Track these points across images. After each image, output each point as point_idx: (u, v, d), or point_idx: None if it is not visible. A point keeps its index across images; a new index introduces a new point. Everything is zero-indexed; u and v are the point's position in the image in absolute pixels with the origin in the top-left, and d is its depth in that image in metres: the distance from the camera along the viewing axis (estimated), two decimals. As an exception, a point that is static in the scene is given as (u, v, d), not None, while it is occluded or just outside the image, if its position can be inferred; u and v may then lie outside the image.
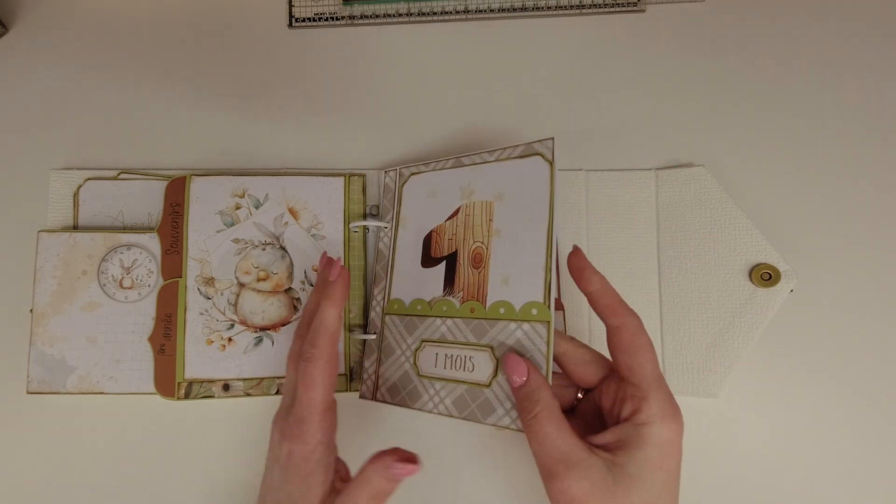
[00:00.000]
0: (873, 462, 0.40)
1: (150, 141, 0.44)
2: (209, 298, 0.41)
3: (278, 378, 0.40)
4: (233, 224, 0.41)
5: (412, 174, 0.41)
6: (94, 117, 0.44)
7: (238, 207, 0.42)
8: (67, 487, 0.40)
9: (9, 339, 0.41)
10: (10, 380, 0.41)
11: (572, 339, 0.34)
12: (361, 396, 0.39)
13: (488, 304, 0.35)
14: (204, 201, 0.41)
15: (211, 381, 0.40)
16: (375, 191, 0.43)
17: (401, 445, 0.31)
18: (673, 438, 0.29)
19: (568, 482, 0.27)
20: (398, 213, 0.41)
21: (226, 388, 0.40)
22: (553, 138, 0.35)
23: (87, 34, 0.46)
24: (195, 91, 0.45)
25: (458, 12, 0.45)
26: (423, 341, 0.37)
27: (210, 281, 0.41)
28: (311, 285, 0.41)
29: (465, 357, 0.35)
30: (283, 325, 0.41)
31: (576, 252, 0.33)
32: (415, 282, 0.39)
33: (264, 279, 0.41)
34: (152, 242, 0.41)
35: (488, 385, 0.34)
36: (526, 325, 0.33)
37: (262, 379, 0.40)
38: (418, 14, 0.45)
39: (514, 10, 0.45)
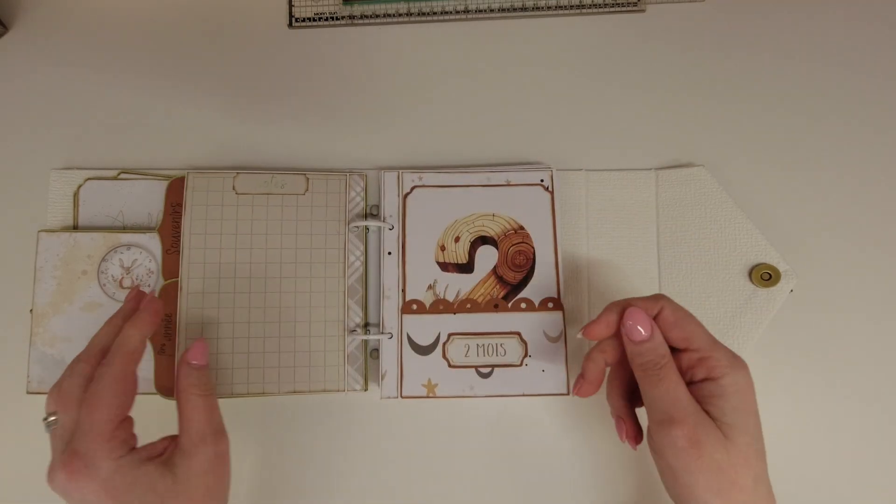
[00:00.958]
0: (874, 462, 0.40)
1: (150, 141, 0.44)
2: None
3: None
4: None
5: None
6: (94, 117, 0.44)
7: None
8: (67, 487, 0.40)
9: (9, 339, 0.41)
10: (10, 380, 0.41)
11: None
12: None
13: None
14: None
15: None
16: (375, 191, 0.43)
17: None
18: (748, 383, 0.31)
19: (691, 428, 0.30)
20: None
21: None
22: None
23: (87, 34, 0.46)
24: (195, 91, 0.45)
25: (458, 12, 0.45)
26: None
27: (210, 281, 0.41)
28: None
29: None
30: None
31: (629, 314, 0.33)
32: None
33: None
34: (152, 242, 0.41)
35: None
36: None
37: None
38: (418, 14, 0.45)
39: (514, 10, 0.45)
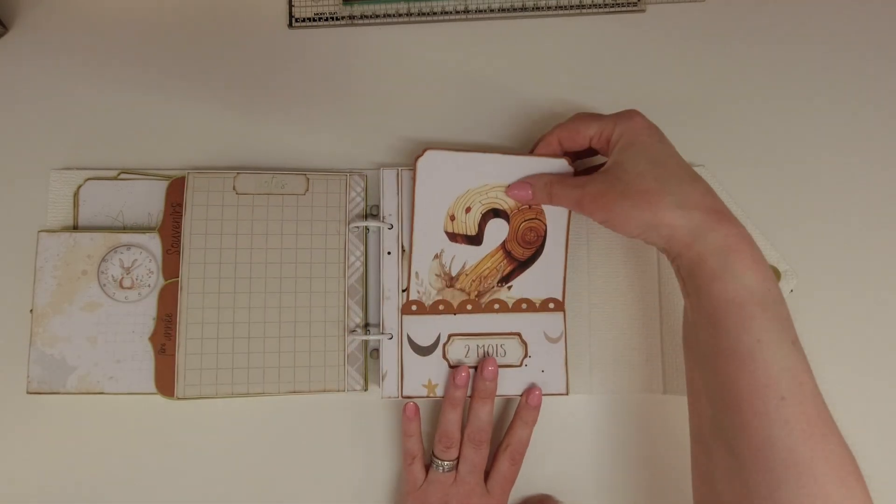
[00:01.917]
0: (874, 462, 0.40)
1: (150, 141, 0.44)
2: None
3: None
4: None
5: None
6: (94, 117, 0.44)
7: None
8: (67, 487, 0.40)
9: (9, 339, 0.41)
10: (10, 380, 0.41)
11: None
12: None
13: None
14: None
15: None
16: (375, 191, 0.43)
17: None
18: (633, 125, 0.35)
19: (588, 187, 0.35)
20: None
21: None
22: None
23: (87, 34, 0.46)
24: (195, 91, 0.45)
25: (458, 12, 0.45)
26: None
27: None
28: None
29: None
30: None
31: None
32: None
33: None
34: (152, 242, 0.41)
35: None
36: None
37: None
38: (418, 14, 0.45)
39: (514, 10, 0.45)
